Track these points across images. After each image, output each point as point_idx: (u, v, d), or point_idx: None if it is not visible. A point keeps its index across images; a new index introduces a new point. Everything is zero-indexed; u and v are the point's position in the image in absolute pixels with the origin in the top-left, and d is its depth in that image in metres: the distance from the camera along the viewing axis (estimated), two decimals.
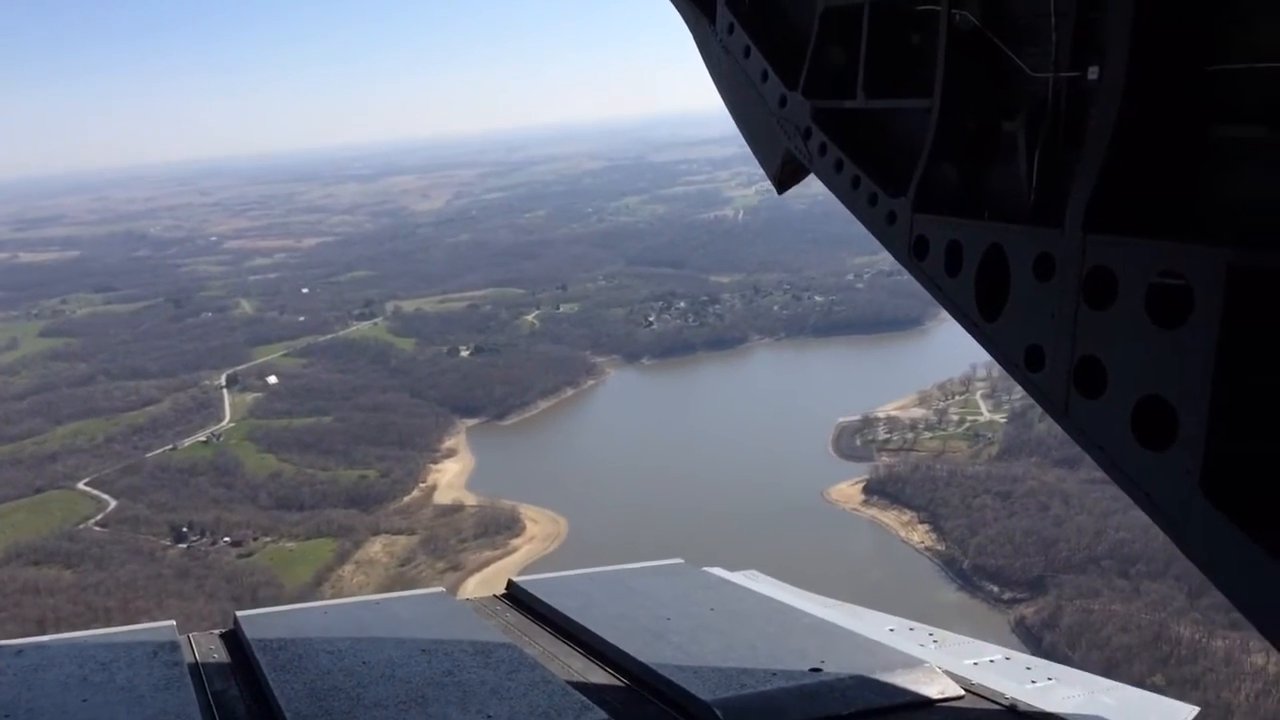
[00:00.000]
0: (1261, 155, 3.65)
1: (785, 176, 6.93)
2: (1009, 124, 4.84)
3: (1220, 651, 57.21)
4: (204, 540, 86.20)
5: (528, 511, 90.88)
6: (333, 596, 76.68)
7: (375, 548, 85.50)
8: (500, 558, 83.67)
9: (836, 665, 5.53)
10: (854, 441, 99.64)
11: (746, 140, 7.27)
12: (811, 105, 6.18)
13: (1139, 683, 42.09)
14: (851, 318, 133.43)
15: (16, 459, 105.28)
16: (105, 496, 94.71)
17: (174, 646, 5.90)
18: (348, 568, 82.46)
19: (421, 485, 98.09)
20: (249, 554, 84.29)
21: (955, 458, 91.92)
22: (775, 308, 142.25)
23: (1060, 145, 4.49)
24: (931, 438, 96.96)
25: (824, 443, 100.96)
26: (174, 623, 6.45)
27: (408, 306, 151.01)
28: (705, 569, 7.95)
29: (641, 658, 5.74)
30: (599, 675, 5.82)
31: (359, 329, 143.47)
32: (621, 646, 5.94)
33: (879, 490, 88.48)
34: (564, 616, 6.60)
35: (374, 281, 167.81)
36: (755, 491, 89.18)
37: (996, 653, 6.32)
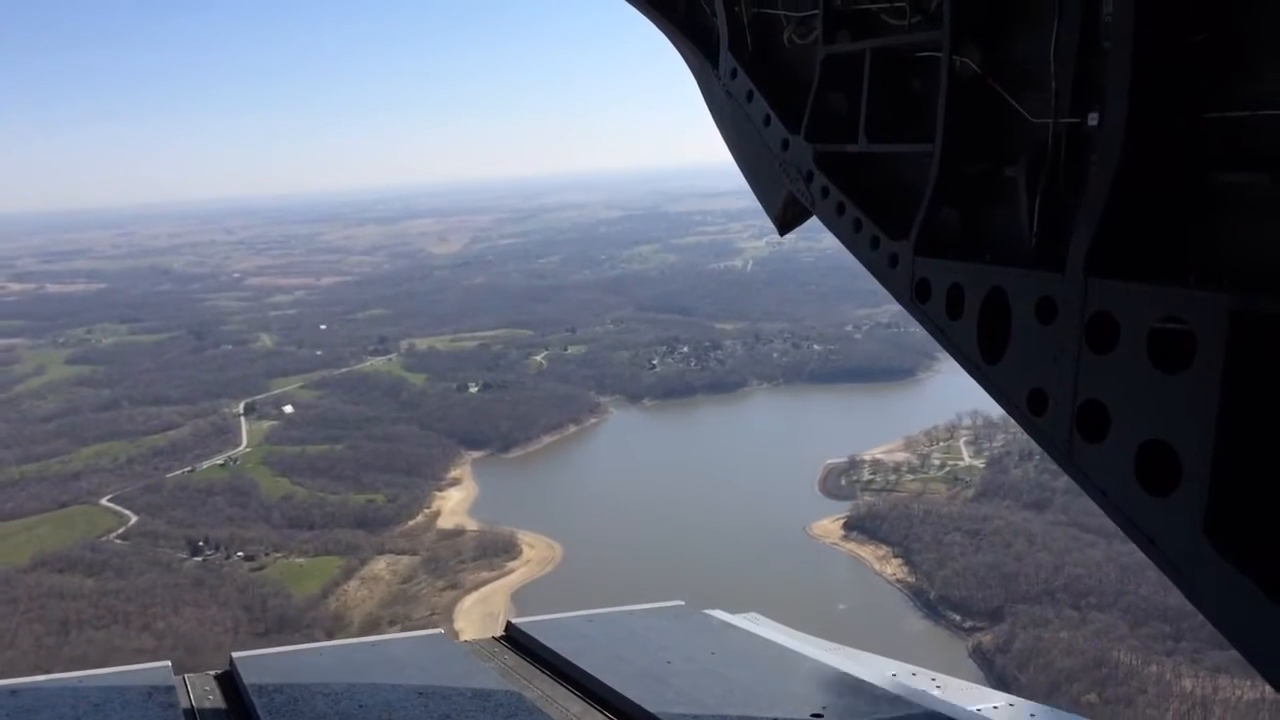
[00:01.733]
0: (1261, 202, 3.68)
1: (787, 219, 7.09)
2: (1010, 169, 4.90)
3: (1153, 675, 62.63)
4: (219, 554, 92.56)
5: (525, 537, 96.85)
6: (338, 609, 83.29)
7: (380, 566, 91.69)
8: (497, 578, 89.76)
9: (839, 711, 5.55)
10: (839, 482, 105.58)
11: (749, 183, 7.43)
12: (814, 149, 6.32)
13: (1076, 702, 49.35)
14: (848, 366, 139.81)
15: (43, 476, 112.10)
16: (126, 512, 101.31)
17: (169, 688, 5.90)
18: (353, 583, 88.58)
19: (426, 511, 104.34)
20: (261, 568, 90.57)
21: (933, 499, 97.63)
22: (775, 355, 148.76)
23: (1061, 190, 4.55)
24: (913, 480, 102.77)
25: (811, 482, 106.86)
26: (169, 664, 6.47)
27: (421, 344, 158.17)
28: (706, 611, 7.95)
29: (641, 702, 5.70)
30: (598, 719, 5.80)
31: (373, 364, 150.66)
32: (621, 690, 5.90)
33: (858, 526, 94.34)
34: (563, 659, 6.57)
35: (390, 320, 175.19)
36: (741, 525, 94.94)
37: (1000, 699, 6.29)
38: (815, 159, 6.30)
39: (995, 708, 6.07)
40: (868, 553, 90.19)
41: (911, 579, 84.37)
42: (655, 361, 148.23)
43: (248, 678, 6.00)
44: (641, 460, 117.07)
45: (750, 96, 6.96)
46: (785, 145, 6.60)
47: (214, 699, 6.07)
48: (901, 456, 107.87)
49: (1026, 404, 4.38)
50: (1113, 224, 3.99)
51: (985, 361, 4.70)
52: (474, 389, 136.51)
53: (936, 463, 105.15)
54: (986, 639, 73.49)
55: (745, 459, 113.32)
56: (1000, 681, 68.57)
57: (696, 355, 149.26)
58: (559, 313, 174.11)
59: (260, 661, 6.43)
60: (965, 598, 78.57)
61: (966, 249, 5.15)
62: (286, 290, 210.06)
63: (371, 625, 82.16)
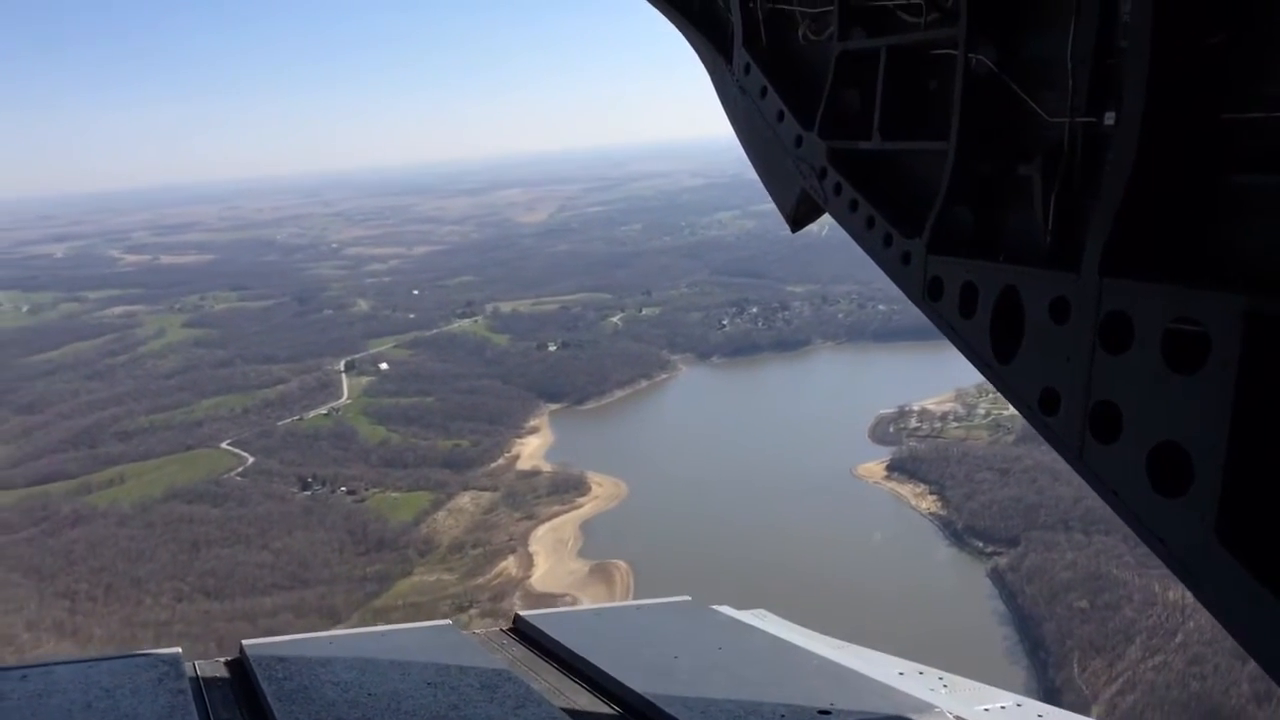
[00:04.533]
0: (1278, 204, 3.70)
1: (800, 216, 7.12)
2: (1025, 167, 4.90)
3: (1140, 585, 71.14)
4: (325, 489, 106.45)
5: (595, 477, 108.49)
6: (428, 534, 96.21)
7: (464, 500, 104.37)
8: (568, 511, 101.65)
9: (846, 707, 5.62)
10: (888, 429, 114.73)
11: (762, 179, 7.51)
12: (827, 146, 6.36)
13: (1069, 609, 60.78)
14: (910, 325, 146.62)
15: (169, 425, 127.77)
16: (244, 454, 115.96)
17: (179, 673, 5.96)
18: (440, 514, 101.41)
19: (506, 455, 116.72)
20: (361, 500, 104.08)
21: (974, 444, 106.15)
22: (840, 315, 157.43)
23: (1076, 189, 4.58)
24: (957, 427, 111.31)
25: (862, 430, 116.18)
26: (179, 650, 6.52)
27: (505, 307, 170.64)
28: (714, 607, 8.16)
29: (648, 695, 5.79)
30: (605, 712, 5.93)
31: (460, 325, 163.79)
32: (628, 683, 6.01)
33: (899, 468, 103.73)
34: (570, 652, 6.72)
35: (477, 285, 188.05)
36: (793, 467, 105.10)
37: (1008, 698, 6.37)
38: (828, 156, 6.36)
39: (1003, 707, 6.14)
40: (906, 490, 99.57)
41: (943, 512, 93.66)
42: (725, 322, 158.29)
43: (258, 665, 6.14)
44: (706, 412, 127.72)
45: (764, 92, 7.03)
46: (799, 142, 6.64)
47: (224, 685, 6.19)
48: (949, 406, 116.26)
49: (1039, 404, 4.42)
50: (1128, 224, 4.01)
51: (997, 361, 4.72)
52: (553, 347, 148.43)
53: (982, 412, 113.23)
54: (1003, 561, 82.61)
55: (802, 410, 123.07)
56: (1008, 594, 78.28)
57: (764, 316, 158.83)
58: (637, 277, 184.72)
59: (270, 649, 6.52)
60: (989, 527, 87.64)
61: (980, 248, 5.17)
62: (381, 259, 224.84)
63: (458, 547, 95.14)
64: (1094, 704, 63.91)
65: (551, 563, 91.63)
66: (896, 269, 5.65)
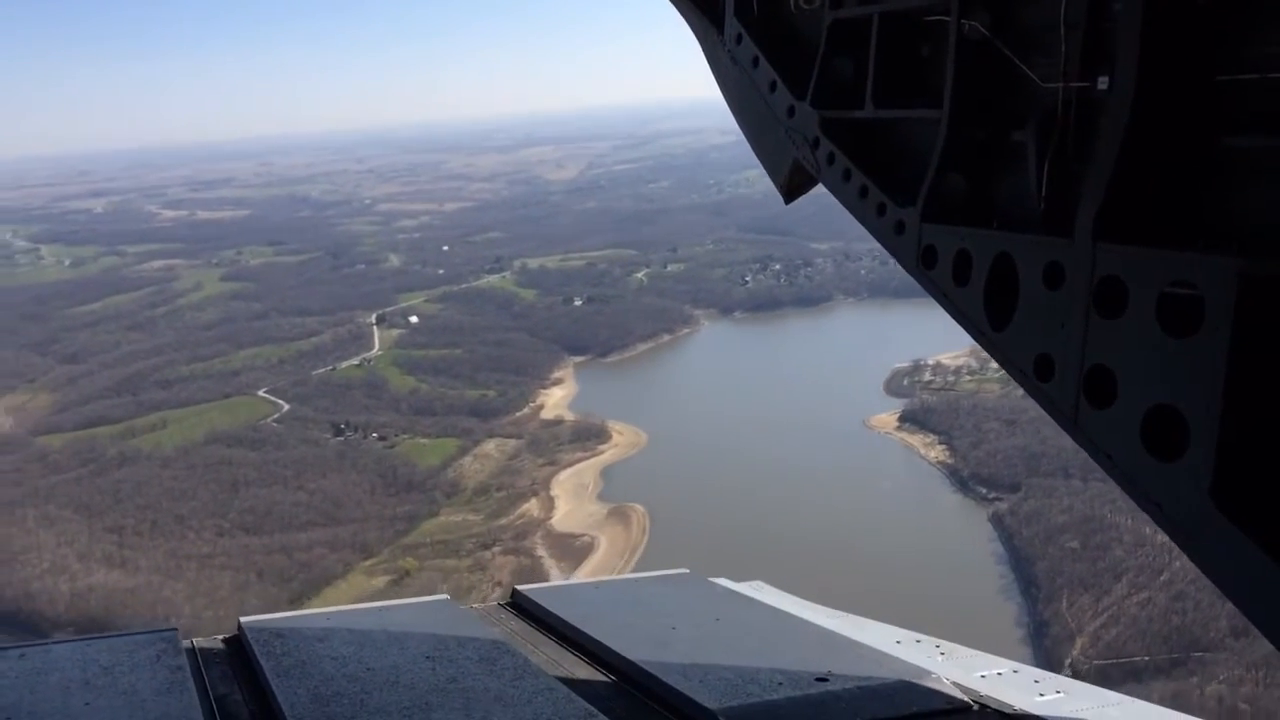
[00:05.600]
0: (1272, 165, 3.70)
1: (793, 186, 7.16)
2: (1018, 134, 4.95)
3: (1130, 527, 74.68)
4: (357, 435, 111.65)
5: (616, 426, 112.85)
6: (455, 478, 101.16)
7: (490, 446, 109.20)
8: (589, 458, 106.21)
9: (843, 675, 5.67)
10: (903, 382, 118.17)
11: (754, 150, 7.52)
12: (819, 115, 6.36)
13: (1062, 550, 65.32)
14: None
15: (209, 374, 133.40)
16: (280, 401, 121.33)
17: (177, 650, 6.00)
18: (467, 459, 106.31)
19: (531, 404, 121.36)
20: (391, 446, 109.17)
21: (985, 396, 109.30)
22: (862, 271, 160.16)
23: (1070, 155, 4.59)
24: (970, 380, 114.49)
25: (878, 383, 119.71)
26: (177, 628, 6.54)
27: (533, 263, 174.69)
28: (711, 579, 8.25)
29: (647, 666, 5.87)
30: (603, 683, 5.98)
31: (489, 281, 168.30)
32: (626, 655, 6.08)
33: (911, 419, 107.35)
34: (569, 625, 6.81)
35: (505, 242, 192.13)
36: (808, 417, 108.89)
37: (1004, 665, 6.42)
38: (821, 125, 6.34)
39: (1000, 674, 6.19)
40: (916, 440, 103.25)
41: (950, 460, 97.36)
42: (748, 278, 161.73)
43: (256, 641, 6.16)
44: (726, 365, 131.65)
45: (755, 62, 7.02)
46: (791, 112, 6.63)
47: (222, 663, 6.22)
48: (963, 361, 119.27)
49: (1033, 369, 4.43)
50: (1122, 188, 4.01)
51: (992, 328, 4.74)
52: (578, 302, 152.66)
53: (994, 366, 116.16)
54: (1004, 506, 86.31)
55: (820, 364, 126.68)
56: (1006, 536, 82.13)
57: (787, 272, 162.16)
58: (663, 234, 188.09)
59: (268, 626, 6.54)
60: (992, 474, 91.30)
61: (973, 215, 5.17)
62: (412, 215, 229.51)
63: (482, 490, 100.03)
64: (1078, 637, 67.89)
65: (572, 505, 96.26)
66: (891, 238, 5.69)
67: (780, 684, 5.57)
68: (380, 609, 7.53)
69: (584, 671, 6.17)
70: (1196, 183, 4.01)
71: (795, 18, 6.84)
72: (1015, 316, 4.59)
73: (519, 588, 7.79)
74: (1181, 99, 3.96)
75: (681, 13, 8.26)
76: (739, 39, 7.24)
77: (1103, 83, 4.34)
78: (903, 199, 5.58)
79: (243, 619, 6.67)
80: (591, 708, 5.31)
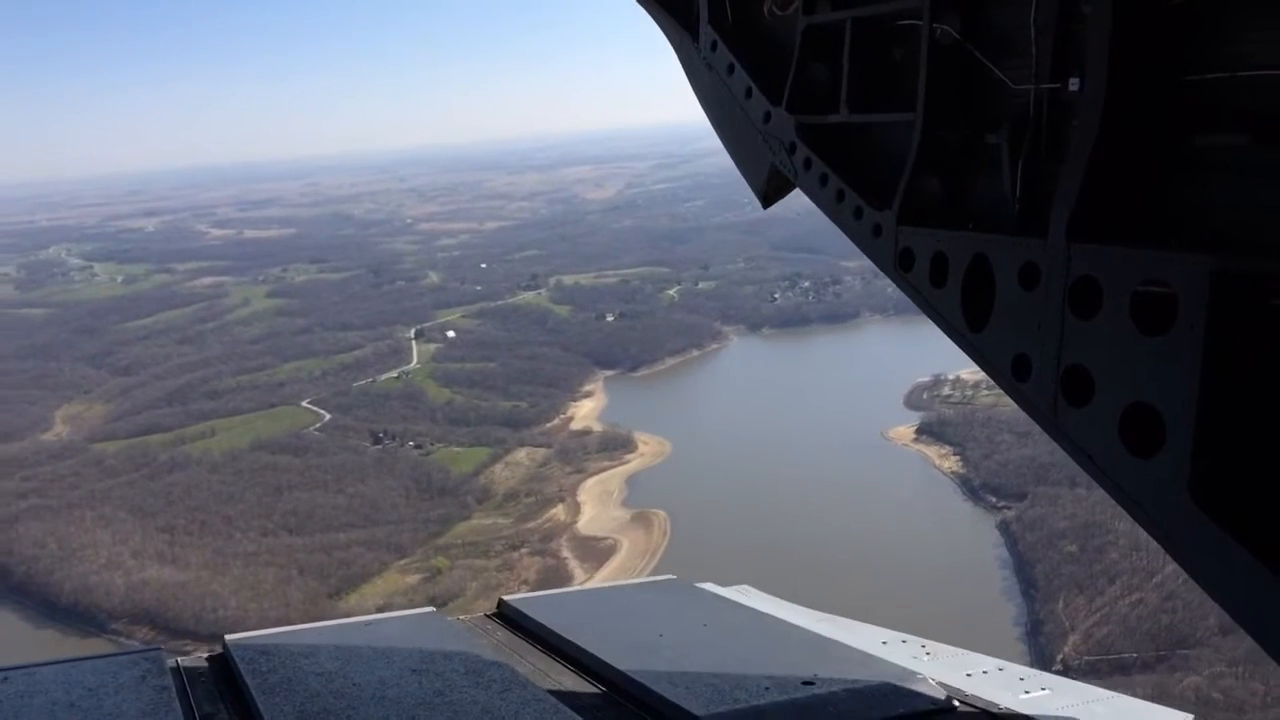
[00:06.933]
0: (1241, 163, 3.79)
1: (771, 191, 7.37)
2: (992, 136, 5.06)
3: (1127, 533, 78.27)
4: (394, 443, 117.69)
5: (642, 437, 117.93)
6: (486, 484, 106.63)
7: (520, 455, 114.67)
8: (615, 467, 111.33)
9: (829, 679, 5.76)
10: (922, 396, 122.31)
11: (732, 156, 7.67)
12: (795, 120, 6.51)
13: (1061, 554, 70.40)
14: None
15: (254, 385, 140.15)
16: (322, 411, 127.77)
17: (161, 670, 6.00)
18: (498, 466, 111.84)
19: (561, 416, 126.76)
20: (427, 454, 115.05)
21: (1002, 410, 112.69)
22: (889, 289, 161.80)
23: (1043, 156, 4.70)
24: (988, 394, 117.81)
25: (899, 396, 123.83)
26: (161, 648, 6.61)
27: (568, 280, 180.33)
28: (698, 585, 8.28)
29: (634, 674, 5.94)
30: (591, 692, 6.04)
31: (524, 297, 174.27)
32: (614, 663, 6.15)
33: (927, 431, 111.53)
34: (556, 634, 6.84)
35: (542, 260, 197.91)
36: (830, 429, 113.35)
37: (989, 664, 6.54)
38: (797, 130, 6.46)
39: (985, 672, 6.31)
40: (932, 451, 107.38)
41: (963, 470, 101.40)
42: (777, 295, 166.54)
43: (240, 659, 6.15)
44: (753, 379, 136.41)
45: (731, 69, 7.15)
46: (767, 118, 6.76)
47: (207, 682, 6.21)
48: (982, 376, 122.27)
49: (1011, 370, 4.48)
50: (1094, 189, 4.06)
51: (969, 329, 4.81)
52: (610, 318, 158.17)
53: None
54: (1010, 514, 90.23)
55: (845, 378, 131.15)
56: (1012, 541, 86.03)
57: (816, 289, 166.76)
58: (696, 252, 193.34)
59: (253, 643, 6.53)
60: (1002, 484, 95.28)
61: (949, 217, 5.28)
62: (452, 234, 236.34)
63: (512, 496, 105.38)
64: (1070, 635, 71.74)
65: (597, 510, 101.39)
66: (868, 241, 5.76)
67: (767, 689, 5.64)
68: (366, 623, 7.58)
69: (572, 681, 6.18)
70: (1168, 182, 4.08)
71: (769, 24, 7.07)
72: (992, 317, 4.67)
73: (505, 598, 7.83)
74: (1151, 99, 4.04)
75: (656, 20, 8.54)
76: (714, 46, 7.43)
77: (1073, 84, 4.44)
78: (879, 202, 5.72)
79: (227, 637, 6.67)
80: (579, 718, 5.38)
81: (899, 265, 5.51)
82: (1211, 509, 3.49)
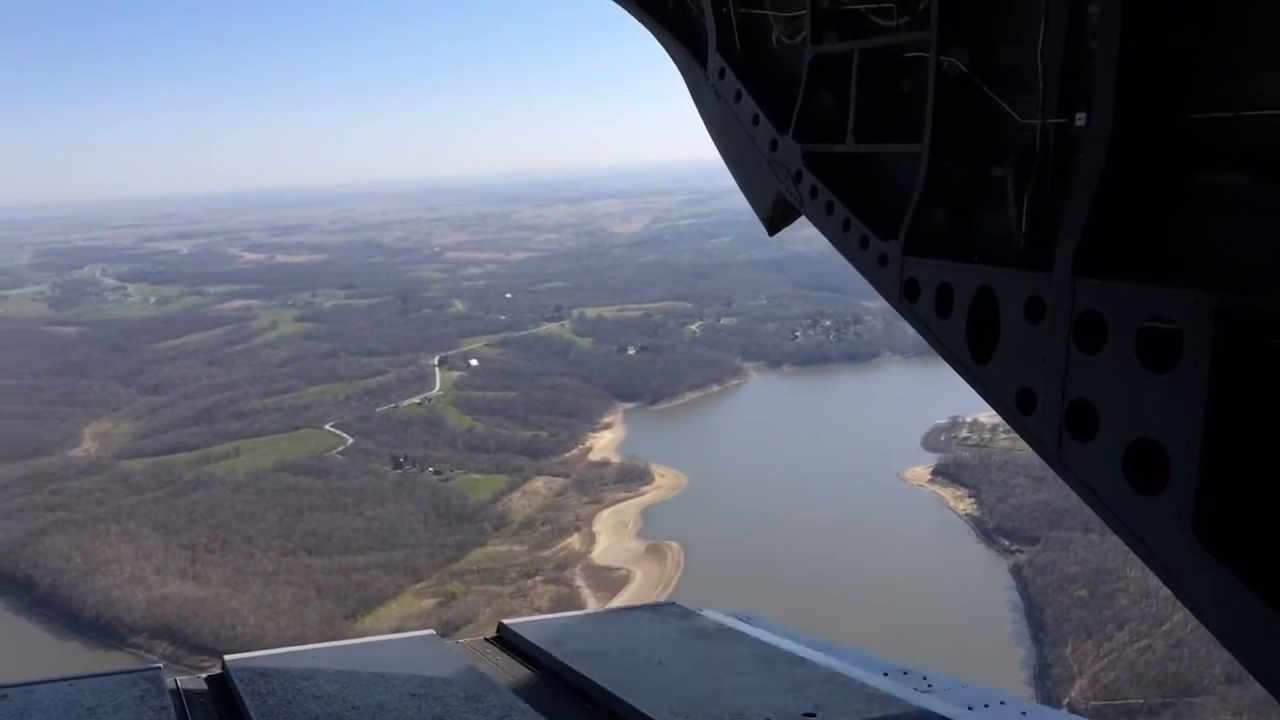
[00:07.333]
0: (1247, 201, 3.82)
1: (776, 219, 7.53)
2: (998, 169, 5.08)
3: (1137, 580, 78.64)
4: (414, 468, 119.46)
5: (659, 470, 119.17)
6: (503, 511, 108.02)
7: (538, 483, 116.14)
8: (631, 498, 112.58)
9: (831, 710, 5.73)
10: (940, 438, 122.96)
11: (738, 182, 7.87)
12: (802, 149, 6.65)
13: (1071, 598, 71.53)
14: None
15: (280, 407, 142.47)
16: (345, 435, 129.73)
17: (160, 690, 6.01)
18: (516, 494, 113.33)
19: (580, 446, 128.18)
20: (446, 480, 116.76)
21: (1018, 453, 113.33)
22: (910, 330, 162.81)
23: (1049, 190, 4.73)
24: (1005, 437, 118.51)
25: (916, 438, 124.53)
26: (161, 667, 6.67)
27: (591, 313, 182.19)
28: (699, 611, 8.23)
29: (634, 702, 5.90)
30: (590, 719, 6.03)
31: (548, 328, 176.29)
32: (613, 690, 6.12)
33: (943, 472, 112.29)
34: (555, 659, 6.83)
35: (566, 291, 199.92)
36: (847, 468, 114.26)
37: (991, 696, 6.47)
38: (803, 159, 6.59)
39: (986, 705, 6.22)
40: (947, 493, 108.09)
41: (977, 513, 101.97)
42: (798, 333, 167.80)
43: (240, 681, 6.16)
44: (771, 416, 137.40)
45: (738, 96, 7.30)
46: (774, 145, 6.89)
47: (206, 703, 6.22)
48: (1000, 419, 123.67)
49: (1015, 403, 4.53)
50: (1100, 224, 4.10)
51: (974, 361, 4.86)
52: (631, 351, 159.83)
53: None
54: (1023, 557, 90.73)
55: (863, 417, 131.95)
56: (1023, 585, 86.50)
57: (837, 328, 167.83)
58: (719, 288, 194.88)
59: (252, 665, 6.53)
60: (1015, 527, 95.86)
61: (955, 249, 5.32)
62: (479, 264, 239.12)
63: (529, 524, 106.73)
64: (1078, 679, 72.13)
65: (611, 541, 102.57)
66: (873, 271, 5.86)
67: (768, 719, 5.60)
68: (365, 645, 7.58)
69: (570, 707, 6.17)
70: (1173, 218, 4.08)
71: (777, 52, 7.11)
72: (997, 350, 4.69)
73: (505, 621, 7.78)
74: (1157, 136, 4.05)
75: (665, 46, 8.64)
76: (722, 73, 7.53)
77: (1080, 119, 4.46)
78: (885, 232, 5.77)
79: (227, 657, 6.68)
80: None
81: (904, 295, 5.60)
82: (1215, 546, 3.46)
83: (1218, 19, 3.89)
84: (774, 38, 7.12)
